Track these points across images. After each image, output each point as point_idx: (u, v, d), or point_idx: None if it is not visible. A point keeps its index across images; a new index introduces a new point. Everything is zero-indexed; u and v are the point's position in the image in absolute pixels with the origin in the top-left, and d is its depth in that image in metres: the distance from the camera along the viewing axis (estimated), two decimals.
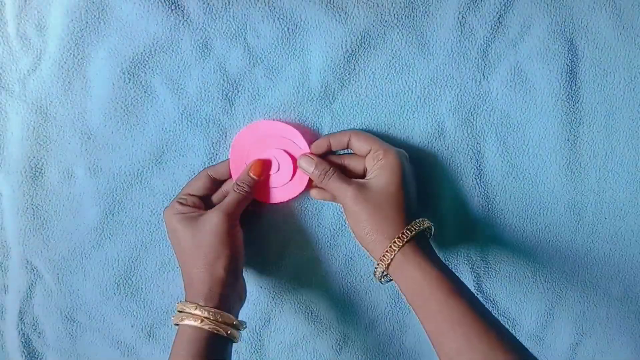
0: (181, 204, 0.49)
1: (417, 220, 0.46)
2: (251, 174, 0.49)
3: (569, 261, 0.56)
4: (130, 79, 0.50)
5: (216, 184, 0.51)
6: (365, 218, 0.46)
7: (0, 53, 0.49)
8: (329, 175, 0.48)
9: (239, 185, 0.49)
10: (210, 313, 0.45)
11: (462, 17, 0.51)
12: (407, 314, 0.56)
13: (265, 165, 0.50)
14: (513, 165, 0.54)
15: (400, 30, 0.51)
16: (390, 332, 0.57)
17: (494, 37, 0.52)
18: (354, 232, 0.48)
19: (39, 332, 0.54)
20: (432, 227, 0.48)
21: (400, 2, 0.50)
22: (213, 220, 0.47)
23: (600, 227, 0.56)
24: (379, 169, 0.47)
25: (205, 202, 0.51)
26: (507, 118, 0.53)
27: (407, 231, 0.45)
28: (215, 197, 0.51)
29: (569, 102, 0.53)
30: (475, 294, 0.55)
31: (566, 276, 0.57)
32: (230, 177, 0.51)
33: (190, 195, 0.50)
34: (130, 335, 0.55)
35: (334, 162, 0.50)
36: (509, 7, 0.51)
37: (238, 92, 0.51)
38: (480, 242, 0.55)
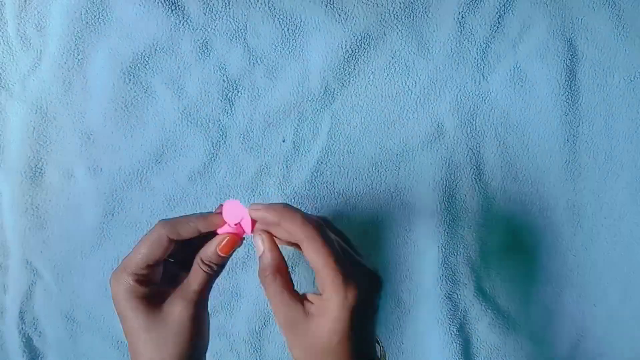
0: (138, 282, 0.39)
1: None
2: (220, 252, 0.40)
3: (569, 261, 0.56)
4: (130, 79, 0.50)
5: (178, 243, 0.40)
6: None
7: (0, 53, 0.49)
8: (269, 276, 0.39)
9: (205, 265, 0.39)
10: None
11: (462, 17, 0.51)
12: (407, 314, 0.56)
13: (236, 242, 0.40)
14: (513, 165, 0.54)
15: (400, 30, 0.51)
16: (389, 332, 0.57)
17: (494, 37, 0.52)
18: None
19: (40, 332, 0.54)
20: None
21: (400, 2, 0.50)
22: (178, 314, 0.39)
23: (600, 227, 0.56)
24: (321, 308, 0.37)
25: (164, 266, 0.42)
26: (507, 118, 0.53)
27: None
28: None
29: (568, 102, 0.53)
30: (475, 294, 0.55)
31: (566, 276, 0.57)
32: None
33: (149, 266, 0.39)
34: None
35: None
36: (509, 7, 0.51)
37: (238, 92, 0.51)
38: (480, 242, 0.55)
